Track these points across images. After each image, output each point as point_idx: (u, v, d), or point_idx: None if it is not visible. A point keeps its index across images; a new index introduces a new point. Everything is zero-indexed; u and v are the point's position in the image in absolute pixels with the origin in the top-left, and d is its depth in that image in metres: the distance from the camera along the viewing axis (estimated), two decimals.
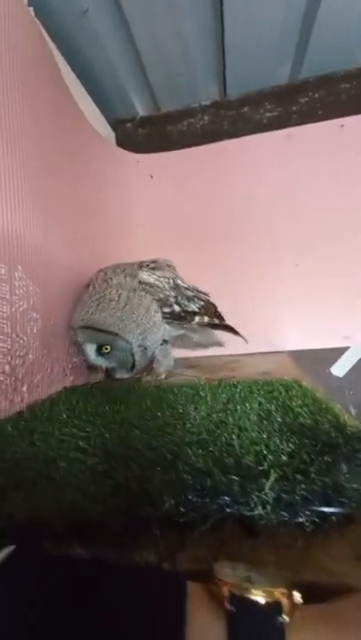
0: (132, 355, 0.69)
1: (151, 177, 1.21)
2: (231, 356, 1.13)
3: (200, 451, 0.36)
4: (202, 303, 0.91)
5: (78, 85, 1.03)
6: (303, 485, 0.27)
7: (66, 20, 0.89)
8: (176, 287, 0.83)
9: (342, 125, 1.09)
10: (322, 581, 0.23)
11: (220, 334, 0.98)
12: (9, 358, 0.56)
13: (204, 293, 0.94)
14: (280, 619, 0.20)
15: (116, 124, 1.24)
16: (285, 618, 0.20)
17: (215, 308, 0.95)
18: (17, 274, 0.59)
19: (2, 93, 0.59)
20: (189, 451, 0.36)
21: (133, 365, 0.71)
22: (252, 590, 0.21)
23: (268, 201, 1.12)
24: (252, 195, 1.13)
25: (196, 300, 0.90)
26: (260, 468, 0.30)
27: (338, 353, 1.14)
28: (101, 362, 0.70)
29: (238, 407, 0.50)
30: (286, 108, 1.10)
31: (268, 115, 1.11)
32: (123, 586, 0.21)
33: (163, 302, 0.77)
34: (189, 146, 1.16)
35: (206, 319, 0.90)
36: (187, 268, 1.19)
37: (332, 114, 1.09)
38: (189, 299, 0.88)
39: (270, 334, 1.16)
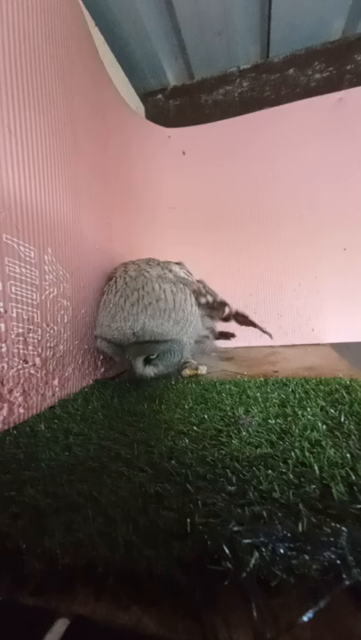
0: (182, 354, 0.63)
1: (183, 153, 1.11)
2: (269, 347, 1.05)
3: (269, 471, 0.29)
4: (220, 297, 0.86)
5: (107, 51, 0.95)
6: None
7: None
8: (200, 281, 0.78)
9: None
10: None
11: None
12: (39, 350, 0.51)
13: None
14: None
15: (146, 96, 1.15)
16: None
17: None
18: (47, 257, 0.54)
19: (35, 70, 0.52)
20: (256, 471, 0.30)
21: (179, 362, 0.65)
22: None
23: (315, 177, 1.00)
24: (296, 171, 1.01)
25: (214, 292, 0.84)
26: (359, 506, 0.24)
27: None
28: (149, 371, 0.61)
29: (299, 412, 0.43)
30: (339, 67, 0.97)
31: (316, 76, 0.98)
32: None
33: (198, 293, 0.70)
34: (226, 117, 1.05)
35: (234, 310, 0.83)
36: (221, 255, 1.11)
37: None
38: (212, 293, 0.82)
39: (311, 325, 1.07)
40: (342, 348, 1.01)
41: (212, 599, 0.18)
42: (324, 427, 0.38)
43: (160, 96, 1.14)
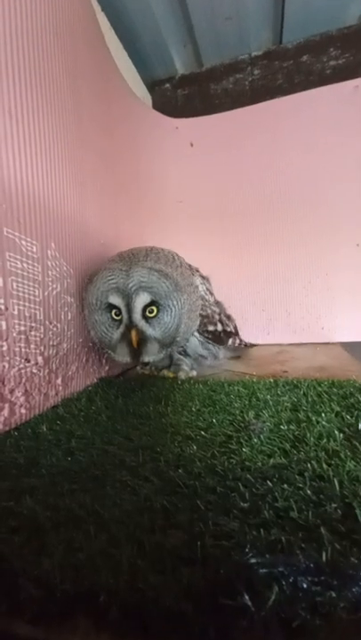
0: (179, 325, 0.58)
1: (191, 145, 1.08)
2: (277, 345, 1.02)
3: (284, 485, 0.27)
4: (235, 323, 0.82)
5: (113, 37, 0.91)
6: None
7: None
8: (217, 304, 0.76)
9: None
10: None
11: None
12: (42, 348, 0.50)
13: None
14: None
15: (153, 85, 1.11)
16: None
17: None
18: (50, 252, 0.52)
19: (39, 55, 0.50)
20: (270, 484, 0.27)
21: (171, 343, 0.59)
22: None
23: (328, 170, 0.96)
24: (309, 163, 0.97)
25: (231, 318, 0.81)
26: None
27: None
28: (144, 326, 0.56)
29: (313, 418, 0.41)
30: (355, 54, 0.92)
31: (332, 63, 0.93)
32: None
33: (208, 319, 0.68)
34: (236, 107, 1.01)
35: (238, 341, 0.81)
36: (229, 250, 1.08)
37: None
38: (229, 317, 0.80)
39: (321, 323, 1.04)
40: (353, 348, 0.98)
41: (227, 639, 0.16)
42: (341, 435, 0.36)
43: (168, 85, 1.11)
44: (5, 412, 0.43)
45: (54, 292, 0.53)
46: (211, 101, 1.07)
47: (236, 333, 0.84)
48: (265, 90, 1.00)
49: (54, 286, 0.53)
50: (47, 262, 0.51)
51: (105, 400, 0.53)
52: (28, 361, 0.47)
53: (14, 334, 0.44)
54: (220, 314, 0.74)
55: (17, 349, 0.45)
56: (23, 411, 0.45)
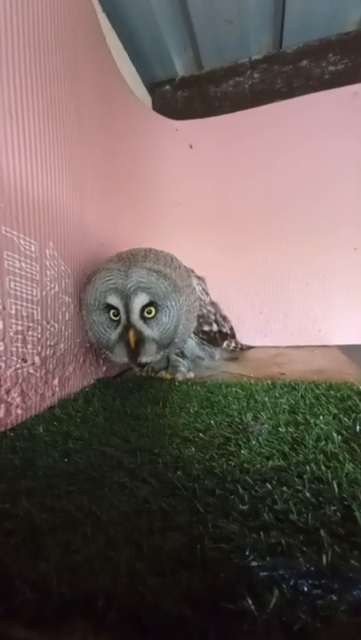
0: (177, 326, 0.57)
1: (191, 147, 1.08)
2: (274, 347, 1.02)
3: (283, 488, 0.27)
4: (230, 324, 0.82)
5: (114, 38, 0.91)
6: None
7: None
8: (213, 304, 0.76)
9: None
10: None
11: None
12: (39, 349, 0.49)
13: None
14: None
15: (153, 87, 1.12)
16: None
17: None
18: (48, 251, 0.52)
19: (40, 55, 0.50)
20: (269, 487, 0.27)
21: (169, 344, 0.59)
22: None
23: (326, 174, 0.97)
24: (307, 167, 0.98)
25: (227, 319, 0.81)
26: None
27: None
28: (142, 326, 0.55)
29: (311, 420, 0.41)
30: (355, 60, 0.93)
31: (331, 68, 0.94)
32: None
33: (204, 319, 0.67)
34: (236, 109, 1.02)
35: (233, 344, 0.81)
36: (227, 252, 1.08)
37: None
38: (225, 318, 0.79)
39: (318, 326, 1.04)
40: (351, 351, 0.98)
41: None
42: (340, 437, 0.36)
43: (168, 87, 1.11)
44: (1, 413, 0.42)
45: (52, 292, 0.53)
46: (210, 104, 1.07)
47: (233, 335, 0.84)
48: (265, 93, 1.00)
49: (52, 286, 0.53)
50: (45, 262, 0.51)
51: (102, 401, 0.53)
52: (25, 361, 0.46)
53: (11, 334, 0.44)
54: (215, 314, 0.74)
55: (14, 349, 0.44)
56: (19, 411, 0.45)
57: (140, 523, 0.24)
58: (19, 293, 0.45)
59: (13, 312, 0.44)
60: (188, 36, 0.97)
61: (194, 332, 0.66)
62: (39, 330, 0.49)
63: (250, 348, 0.96)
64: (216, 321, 0.72)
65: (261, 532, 0.22)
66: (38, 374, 0.49)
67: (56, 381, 0.53)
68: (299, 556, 0.19)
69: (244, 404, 0.48)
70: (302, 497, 0.26)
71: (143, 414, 0.47)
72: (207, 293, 0.74)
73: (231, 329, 0.83)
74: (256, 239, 1.04)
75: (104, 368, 0.70)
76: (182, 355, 0.71)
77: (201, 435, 0.39)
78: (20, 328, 0.45)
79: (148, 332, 0.56)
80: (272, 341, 1.04)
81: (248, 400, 0.50)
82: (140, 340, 0.55)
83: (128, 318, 0.54)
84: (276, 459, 0.33)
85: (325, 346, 1.02)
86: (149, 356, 0.57)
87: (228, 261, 1.06)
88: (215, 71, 1.06)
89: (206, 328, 0.68)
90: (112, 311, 0.56)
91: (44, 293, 0.50)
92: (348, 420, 0.41)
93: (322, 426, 0.39)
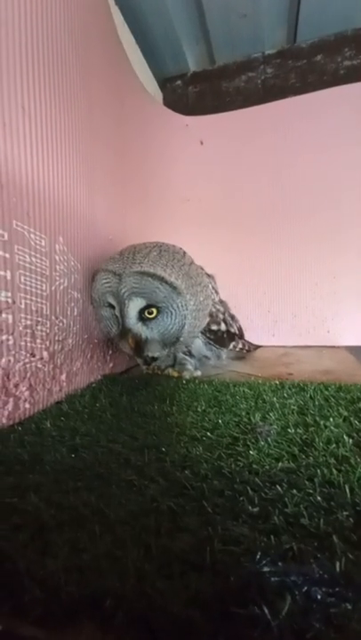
0: (183, 326, 0.55)
1: (201, 143, 1.07)
2: (282, 347, 1.01)
3: (294, 491, 0.27)
4: (239, 324, 0.81)
5: (126, 32, 0.90)
6: None
7: None
8: (222, 303, 0.75)
9: None
10: None
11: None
12: (47, 343, 0.49)
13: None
14: None
15: (164, 82, 1.10)
16: None
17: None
18: (58, 246, 0.52)
19: (52, 48, 0.49)
20: (279, 489, 0.27)
21: (175, 343, 0.57)
22: None
23: (340, 171, 0.95)
24: (321, 164, 0.96)
25: (235, 318, 0.80)
26: None
27: None
28: (140, 329, 0.54)
29: (320, 422, 0.40)
30: None
31: (346, 64, 0.92)
32: None
33: (213, 318, 0.66)
34: (247, 105, 1.00)
35: (240, 345, 0.80)
36: (236, 250, 1.07)
37: None
38: (233, 317, 0.79)
39: (327, 326, 1.03)
40: (359, 352, 0.97)
41: None
42: (351, 441, 0.35)
43: (179, 82, 1.10)
44: (10, 407, 0.42)
45: (61, 287, 0.53)
46: (222, 99, 1.06)
47: (241, 336, 0.83)
48: (277, 89, 0.99)
49: (61, 281, 0.53)
50: (55, 257, 0.51)
51: (109, 397, 0.53)
52: (34, 355, 0.46)
53: (20, 328, 0.44)
54: (224, 313, 0.73)
55: (22, 343, 0.44)
56: (27, 405, 0.45)
57: (149, 522, 0.24)
58: (28, 288, 0.45)
59: (23, 306, 0.44)
60: (201, 30, 0.96)
61: (201, 332, 0.66)
62: (48, 325, 0.49)
63: (258, 347, 0.95)
64: (224, 320, 0.72)
65: (272, 536, 0.21)
66: (46, 369, 0.49)
67: (64, 376, 0.53)
68: (312, 562, 0.19)
69: (252, 404, 0.48)
70: (313, 501, 0.25)
71: (150, 411, 0.46)
72: (217, 292, 0.74)
73: (240, 329, 0.82)
74: (265, 238, 1.02)
75: (111, 364, 0.70)
76: (190, 354, 0.71)
77: (209, 434, 0.38)
78: (29, 322, 0.45)
79: (147, 333, 0.56)
80: (280, 341, 1.03)
81: (256, 400, 0.50)
82: (140, 341, 0.55)
83: (123, 323, 0.54)
84: (286, 460, 0.32)
85: (333, 347, 1.01)
86: (154, 351, 0.57)
87: (236, 260, 1.05)
88: (227, 66, 1.04)
89: (214, 327, 0.67)
90: (114, 309, 0.56)
91: (53, 288, 0.50)
92: (359, 422, 0.40)
93: (332, 428, 0.39)
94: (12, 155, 0.42)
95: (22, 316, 0.44)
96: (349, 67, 0.92)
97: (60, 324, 0.53)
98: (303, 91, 0.95)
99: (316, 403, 0.48)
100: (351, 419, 0.41)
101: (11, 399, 0.42)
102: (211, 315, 0.66)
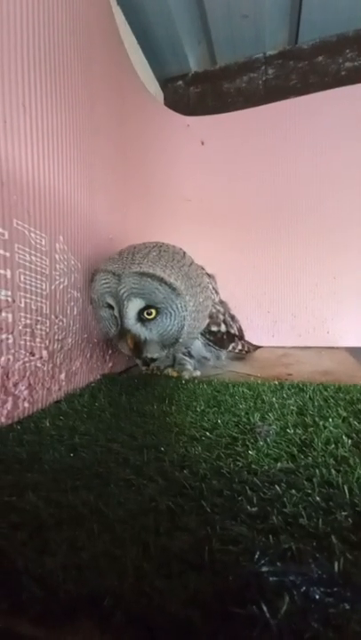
0: (182, 327, 0.55)
1: (202, 143, 1.07)
2: (281, 348, 1.01)
3: (292, 491, 0.27)
4: (239, 324, 0.81)
5: (128, 31, 0.90)
6: None
7: None
8: (222, 303, 0.75)
9: None
10: None
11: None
12: (47, 342, 0.49)
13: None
14: None
15: (165, 82, 1.11)
16: None
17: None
18: (58, 245, 0.52)
19: (53, 46, 0.49)
20: (278, 489, 0.27)
21: (174, 344, 0.57)
22: None
23: (341, 172, 0.95)
24: (321, 165, 0.96)
25: (235, 319, 0.80)
26: None
27: None
28: (139, 330, 0.54)
29: (320, 423, 0.40)
30: None
31: (348, 65, 0.92)
32: None
33: (213, 319, 0.66)
34: (249, 106, 1.01)
35: (240, 346, 0.80)
36: (236, 250, 1.07)
37: None
38: (233, 318, 0.79)
39: (327, 327, 1.03)
40: (359, 353, 0.97)
41: None
42: (350, 441, 0.35)
43: (180, 82, 1.10)
44: (9, 406, 0.42)
45: (61, 287, 0.53)
46: (223, 100, 1.06)
47: (241, 336, 0.83)
48: (279, 90, 0.99)
49: (61, 280, 0.53)
50: (55, 256, 0.51)
51: (108, 397, 0.53)
52: (33, 355, 0.46)
53: (20, 327, 0.44)
54: (224, 314, 0.73)
55: (22, 342, 0.44)
56: (26, 405, 0.45)
57: (147, 521, 0.24)
58: (28, 287, 0.45)
59: (23, 305, 0.44)
60: (203, 31, 0.96)
61: (201, 333, 0.66)
62: (47, 324, 0.49)
63: (257, 347, 0.95)
64: (225, 321, 0.72)
65: (271, 536, 0.21)
66: (46, 368, 0.49)
67: (63, 376, 0.53)
68: (311, 562, 0.19)
69: (252, 404, 0.48)
70: (312, 501, 0.25)
71: (149, 411, 0.46)
72: (217, 292, 0.74)
73: (240, 329, 0.82)
74: (265, 238, 1.02)
75: (110, 364, 0.70)
76: (189, 354, 0.71)
77: (207, 434, 0.38)
78: (28, 321, 0.45)
79: (146, 334, 0.55)
80: (279, 341, 1.03)
81: (255, 400, 0.50)
82: (139, 342, 0.55)
83: (122, 324, 0.54)
84: (285, 461, 0.32)
85: (333, 347, 1.01)
86: (153, 352, 0.57)
87: (237, 260, 1.05)
88: (229, 67, 1.04)
89: (214, 328, 0.67)
90: (113, 310, 0.56)
91: (53, 287, 0.50)
92: (359, 423, 0.40)
93: (331, 429, 0.39)
94: (12, 153, 0.42)
95: (22, 314, 0.44)
96: (351, 68, 0.92)
97: (60, 324, 0.53)
98: (304, 92, 0.95)
99: (316, 403, 0.48)
100: (350, 419, 0.42)
101: (10, 398, 0.42)
102: (211, 316, 0.66)
